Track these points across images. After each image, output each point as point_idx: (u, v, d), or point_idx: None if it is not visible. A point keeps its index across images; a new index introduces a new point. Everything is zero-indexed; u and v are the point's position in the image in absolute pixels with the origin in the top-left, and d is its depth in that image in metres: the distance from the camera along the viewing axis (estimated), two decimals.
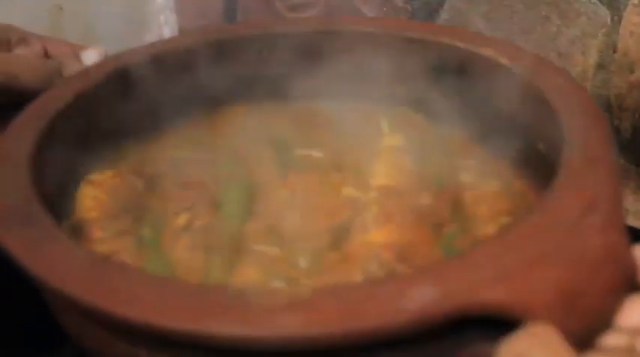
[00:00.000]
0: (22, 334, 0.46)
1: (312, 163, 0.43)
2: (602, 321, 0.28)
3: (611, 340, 0.27)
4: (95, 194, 0.39)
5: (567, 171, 0.32)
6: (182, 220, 0.38)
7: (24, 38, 0.49)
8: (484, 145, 0.43)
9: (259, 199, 0.40)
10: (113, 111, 0.44)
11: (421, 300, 0.25)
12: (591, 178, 0.31)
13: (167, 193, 0.41)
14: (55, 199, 0.38)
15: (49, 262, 0.29)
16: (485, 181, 0.40)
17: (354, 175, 0.41)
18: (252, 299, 0.26)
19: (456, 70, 0.44)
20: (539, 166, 0.40)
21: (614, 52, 0.55)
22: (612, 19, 0.55)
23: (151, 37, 0.79)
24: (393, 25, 0.49)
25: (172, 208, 0.39)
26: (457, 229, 0.36)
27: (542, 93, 0.38)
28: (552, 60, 0.57)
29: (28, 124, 0.39)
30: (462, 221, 0.37)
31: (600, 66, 0.57)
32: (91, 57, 0.48)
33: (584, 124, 0.35)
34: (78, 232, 0.37)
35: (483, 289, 0.26)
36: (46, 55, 0.49)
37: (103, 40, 0.58)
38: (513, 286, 0.26)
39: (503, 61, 0.42)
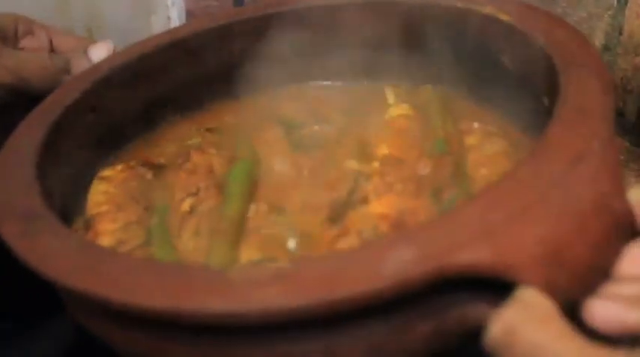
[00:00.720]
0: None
1: (320, 140, 0.43)
2: (598, 273, 0.27)
3: (612, 289, 0.26)
4: (106, 189, 0.40)
5: (557, 123, 0.31)
6: (186, 205, 0.38)
7: (30, 29, 0.49)
8: (489, 105, 0.43)
9: (264, 178, 0.40)
10: (121, 104, 0.45)
11: (397, 264, 0.25)
12: (581, 129, 0.30)
13: (174, 180, 0.41)
14: (69, 197, 0.40)
15: (41, 250, 0.30)
16: (489, 142, 0.39)
17: (358, 147, 0.41)
18: (231, 275, 0.26)
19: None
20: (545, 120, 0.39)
21: (620, 34, 0.55)
22: (618, 1, 0.54)
23: (157, 19, 0.79)
24: None
25: (179, 195, 0.39)
26: (458, 193, 0.36)
27: (543, 47, 0.37)
28: None
29: (36, 122, 0.40)
30: (462, 185, 0.36)
31: (606, 48, 0.56)
32: (98, 53, 0.48)
33: (581, 75, 0.34)
34: (89, 227, 0.38)
35: (463, 249, 0.25)
36: (51, 47, 0.50)
37: (111, 23, 0.57)
38: (495, 245, 0.25)
39: (503, 17, 0.41)
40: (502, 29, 0.42)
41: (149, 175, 0.42)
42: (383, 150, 0.40)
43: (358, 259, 0.26)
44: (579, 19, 0.57)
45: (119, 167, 0.42)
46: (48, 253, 0.30)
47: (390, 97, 0.46)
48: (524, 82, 0.41)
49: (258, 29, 0.48)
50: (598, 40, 0.56)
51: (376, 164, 0.39)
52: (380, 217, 0.34)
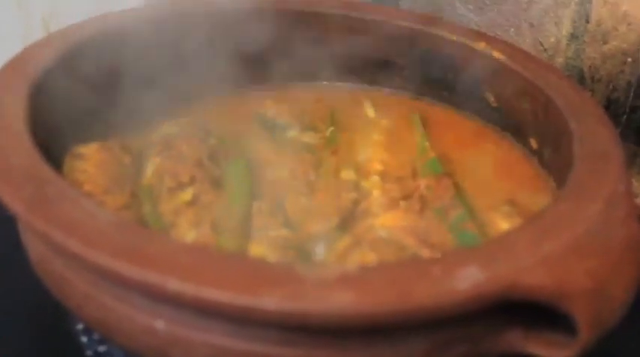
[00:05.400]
0: None
1: (306, 144, 0.43)
2: (625, 307, 0.29)
3: None
4: (84, 168, 0.37)
5: (582, 165, 0.33)
6: (187, 194, 0.36)
7: None
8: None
9: (259, 178, 0.39)
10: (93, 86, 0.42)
11: (471, 281, 0.26)
12: (607, 172, 0.32)
13: (160, 168, 0.38)
14: None
15: (69, 224, 0.27)
16: (480, 167, 0.41)
17: (351, 158, 0.41)
18: (302, 273, 0.25)
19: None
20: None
21: (587, 22, 0.54)
22: None
23: None
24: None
25: (168, 183, 0.37)
26: (464, 213, 0.37)
27: (544, 92, 0.40)
28: (524, 31, 0.57)
29: (14, 80, 0.37)
30: (465, 205, 0.38)
31: (573, 37, 0.55)
32: None
33: (590, 122, 0.37)
34: None
35: (527, 273, 0.27)
36: None
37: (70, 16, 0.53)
38: (553, 273, 0.27)
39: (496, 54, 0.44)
40: (493, 67, 0.44)
41: (127, 160, 0.39)
42: (376, 165, 0.40)
43: (429, 272, 0.26)
44: (546, 6, 0.56)
45: (94, 146, 0.39)
46: (74, 225, 0.27)
47: (370, 111, 0.46)
48: (507, 121, 0.44)
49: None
50: (565, 29, 0.55)
51: (376, 178, 0.39)
52: (402, 231, 0.34)
